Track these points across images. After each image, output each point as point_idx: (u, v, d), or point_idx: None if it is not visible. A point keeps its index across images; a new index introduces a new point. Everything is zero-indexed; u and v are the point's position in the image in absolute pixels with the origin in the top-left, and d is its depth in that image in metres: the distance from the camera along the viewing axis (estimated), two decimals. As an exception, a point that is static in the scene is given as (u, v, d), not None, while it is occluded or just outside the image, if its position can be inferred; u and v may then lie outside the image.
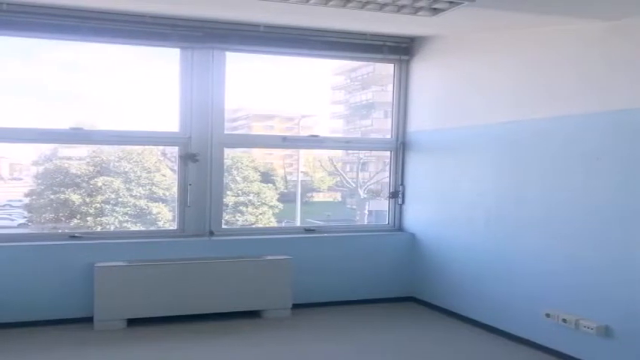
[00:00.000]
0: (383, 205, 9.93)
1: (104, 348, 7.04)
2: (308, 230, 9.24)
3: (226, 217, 9.10)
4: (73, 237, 8.12)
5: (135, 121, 8.50)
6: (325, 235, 9.26)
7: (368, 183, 10.79)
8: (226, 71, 8.62)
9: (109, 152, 8.94)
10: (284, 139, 9.18)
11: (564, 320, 6.67)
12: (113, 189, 8.88)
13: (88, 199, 8.78)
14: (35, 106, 8.23)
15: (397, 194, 9.61)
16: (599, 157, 6.30)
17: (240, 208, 9.74)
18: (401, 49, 9.29)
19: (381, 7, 6.25)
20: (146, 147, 9.04)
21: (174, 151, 8.68)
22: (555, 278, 6.86)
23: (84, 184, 8.80)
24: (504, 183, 7.61)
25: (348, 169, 11.05)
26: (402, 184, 9.56)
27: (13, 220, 8.98)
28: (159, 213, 9.10)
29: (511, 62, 7.54)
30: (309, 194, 10.75)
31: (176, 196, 8.62)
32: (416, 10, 6.33)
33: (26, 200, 8.74)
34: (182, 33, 8.21)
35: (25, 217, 8.83)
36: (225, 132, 8.74)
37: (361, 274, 9.18)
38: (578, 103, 6.56)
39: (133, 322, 7.80)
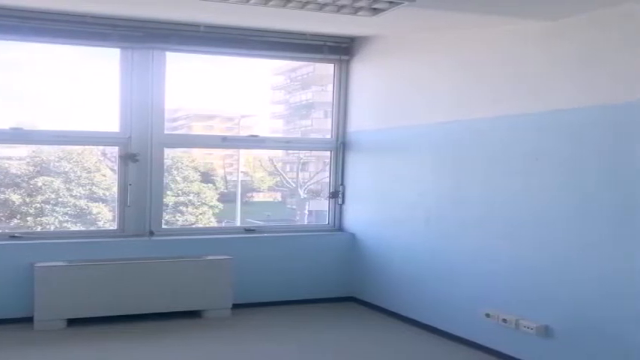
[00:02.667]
0: (323, 205, 9.98)
1: (44, 348, 7.01)
2: (248, 230, 9.25)
3: (166, 217, 9.09)
4: (12, 237, 8.04)
5: (75, 121, 8.45)
6: (265, 235, 9.28)
7: (308, 183, 10.82)
8: (166, 71, 8.60)
9: (49, 152, 8.87)
10: (224, 139, 9.18)
11: (504, 320, 6.73)
12: (53, 189, 8.81)
13: (28, 199, 8.70)
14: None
15: (337, 194, 9.67)
16: (537, 157, 6.39)
17: (180, 208, 9.73)
18: (341, 49, 9.33)
19: (321, 7, 6.27)
20: (86, 147, 8.98)
21: (114, 151, 8.63)
22: (496, 278, 6.93)
23: (24, 184, 8.72)
24: (445, 183, 7.67)
25: (288, 169, 11.06)
26: (342, 184, 9.61)
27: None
28: (99, 213, 9.05)
29: (451, 62, 7.61)
30: (249, 194, 10.76)
31: (116, 196, 8.58)
32: (356, 10, 6.37)
33: (-35, 200, 8.67)
34: (122, 33, 8.17)
35: (-35, 218, 8.76)
36: (166, 132, 8.72)
37: (301, 274, 9.21)
38: (517, 103, 6.64)
39: (73, 322, 7.76)
